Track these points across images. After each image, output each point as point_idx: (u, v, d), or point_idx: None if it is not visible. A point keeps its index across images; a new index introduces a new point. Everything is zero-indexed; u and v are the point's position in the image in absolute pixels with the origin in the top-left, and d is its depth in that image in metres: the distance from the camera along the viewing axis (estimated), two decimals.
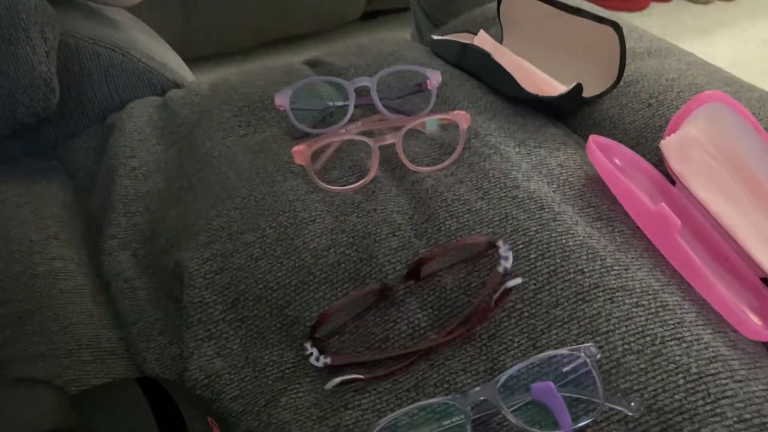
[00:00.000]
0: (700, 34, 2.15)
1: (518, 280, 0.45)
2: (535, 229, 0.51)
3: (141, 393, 0.42)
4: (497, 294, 0.45)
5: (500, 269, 0.46)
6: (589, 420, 0.39)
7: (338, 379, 0.44)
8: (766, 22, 2.23)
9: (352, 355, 0.47)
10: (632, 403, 0.39)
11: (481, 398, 0.39)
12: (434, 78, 0.65)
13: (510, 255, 0.46)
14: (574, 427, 0.39)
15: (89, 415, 0.40)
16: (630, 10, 2.25)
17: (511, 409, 0.41)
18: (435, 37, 0.79)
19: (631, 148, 0.63)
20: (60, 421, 0.36)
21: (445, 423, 0.41)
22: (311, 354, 0.45)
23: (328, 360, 0.45)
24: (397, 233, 0.53)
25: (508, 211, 0.53)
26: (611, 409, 0.41)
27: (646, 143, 0.63)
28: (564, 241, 0.50)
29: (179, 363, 0.51)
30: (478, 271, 0.49)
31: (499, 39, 0.77)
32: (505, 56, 0.73)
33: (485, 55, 0.69)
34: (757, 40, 2.13)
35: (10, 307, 0.55)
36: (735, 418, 0.40)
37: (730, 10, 2.29)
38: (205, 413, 0.42)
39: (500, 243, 0.47)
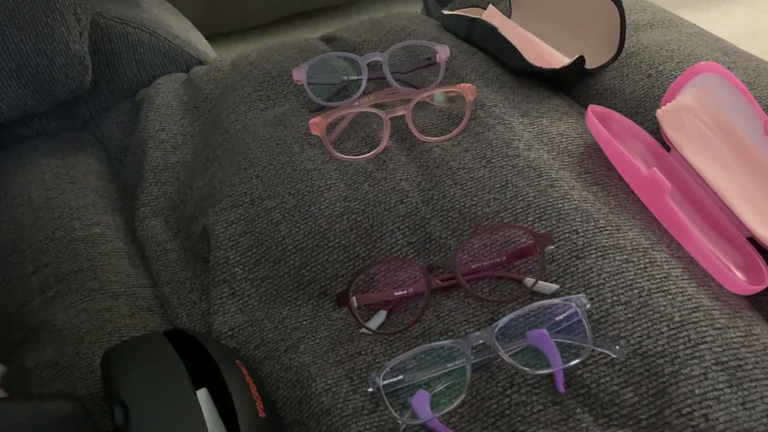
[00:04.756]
0: (717, 2, 2.13)
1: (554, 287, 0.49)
2: (533, 194, 0.55)
3: (169, 345, 0.46)
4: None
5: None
6: (578, 360, 0.43)
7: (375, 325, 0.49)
8: None
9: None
10: (617, 347, 0.44)
11: (481, 341, 0.43)
12: (443, 52, 0.69)
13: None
14: (564, 366, 0.43)
15: (123, 367, 0.45)
16: None
17: (509, 353, 0.45)
18: (445, 12, 0.83)
19: (631, 117, 0.66)
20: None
21: (448, 365, 0.45)
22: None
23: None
24: (404, 200, 0.57)
25: (508, 178, 0.57)
26: (600, 353, 0.45)
27: (644, 112, 0.66)
28: (560, 205, 0.54)
29: (207, 318, 0.56)
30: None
31: (508, 13, 0.80)
32: (512, 30, 0.76)
33: (492, 30, 0.72)
34: None
35: (54, 268, 0.61)
36: (712, 360, 0.44)
37: None
38: (233, 357, 0.47)
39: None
